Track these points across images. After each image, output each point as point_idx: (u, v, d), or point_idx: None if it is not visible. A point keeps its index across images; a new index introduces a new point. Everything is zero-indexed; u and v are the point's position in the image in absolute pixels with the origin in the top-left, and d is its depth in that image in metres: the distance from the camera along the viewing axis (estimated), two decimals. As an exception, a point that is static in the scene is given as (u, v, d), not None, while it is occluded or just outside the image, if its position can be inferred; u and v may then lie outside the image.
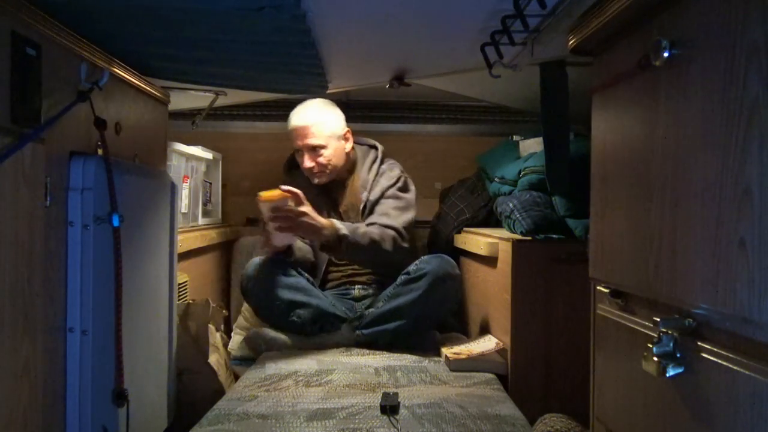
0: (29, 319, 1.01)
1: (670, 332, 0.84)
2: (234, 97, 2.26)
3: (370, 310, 2.24)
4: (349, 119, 2.91)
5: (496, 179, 2.39)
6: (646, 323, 0.95)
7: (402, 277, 2.22)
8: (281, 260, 2.30)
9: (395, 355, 2.12)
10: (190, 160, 2.39)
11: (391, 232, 2.28)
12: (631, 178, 1.00)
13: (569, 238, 1.95)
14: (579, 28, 1.13)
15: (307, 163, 2.41)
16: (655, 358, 0.83)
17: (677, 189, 0.85)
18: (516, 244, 1.93)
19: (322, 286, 2.41)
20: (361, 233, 2.22)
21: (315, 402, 1.66)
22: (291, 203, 2.13)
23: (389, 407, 1.57)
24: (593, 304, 1.19)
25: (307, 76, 1.70)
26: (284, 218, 2.14)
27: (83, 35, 1.18)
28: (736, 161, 0.72)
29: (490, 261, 2.14)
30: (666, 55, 0.86)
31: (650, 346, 0.84)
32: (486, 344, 2.07)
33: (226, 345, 2.20)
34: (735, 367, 0.73)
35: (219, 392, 1.85)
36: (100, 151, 1.24)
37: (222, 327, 2.22)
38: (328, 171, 2.43)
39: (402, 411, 1.59)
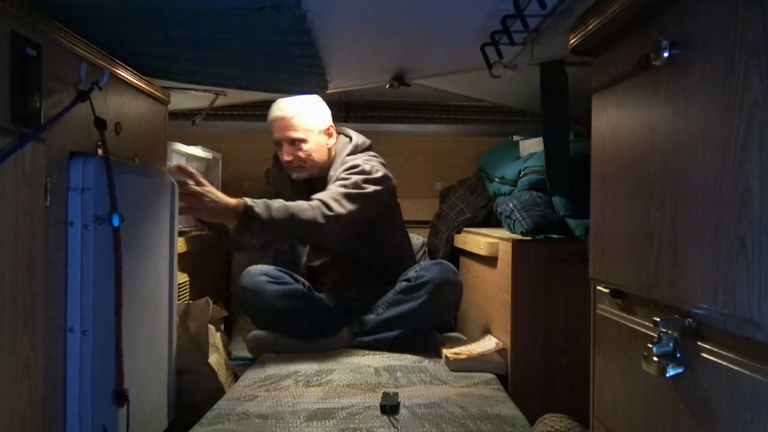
0: (29, 320, 1.01)
1: (670, 332, 0.84)
2: (234, 97, 2.26)
3: (370, 316, 2.22)
4: (349, 119, 2.91)
5: (496, 179, 2.39)
6: (646, 323, 0.95)
7: (402, 284, 2.22)
8: (276, 269, 2.29)
9: (395, 355, 2.12)
10: (190, 160, 2.39)
11: (316, 204, 2.09)
12: (631, 178, 1.00)
13: (569, 238, 1.95)
14: (579, 28, 1.13)
15: (286, 156, 2.33)
16: (655, 358, 0.83)
17: (677, 189, 0.85)
18: (516, 244, 1.93)
19: (316, 288, 2.38)
20: (274, 206, 2.02)
21: (315, 402, 1.66)
22: (191, 183, 1.94)
23: (389, 407, 1.57)
24: (593, 304, 1.19)
25: (307, 76, 1.70)
26: (183, 199, 1.88)
27: (83, 35, 1.18)
28: (736, 161, 0.72)
29: (490, 261, 2.14)
30: (666, 55, 0.86)
31: (650, 346, 0.84)
32: (486, 344, 2.07)
33: (226, 345, 2.20)
34: (735, 367, 0.73)
35: (219, 392, 1.85)
36: (100, 151, 1.24)
37: (222, 327, 2.22)
38: (307, 166, 2.34)
39: (402, 411, 1.59)
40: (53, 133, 1.09)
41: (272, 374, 1.92)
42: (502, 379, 1.92)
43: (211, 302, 2.00)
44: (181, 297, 2.05)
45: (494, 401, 1.68)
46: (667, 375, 0.83)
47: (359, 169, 2.24)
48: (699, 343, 0.80)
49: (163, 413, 1.58)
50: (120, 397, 1.23)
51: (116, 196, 1.19)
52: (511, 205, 2.07)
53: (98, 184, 1.17)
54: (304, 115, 2.32)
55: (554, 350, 1.91)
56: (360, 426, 1.50)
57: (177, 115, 2.43)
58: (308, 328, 2.22)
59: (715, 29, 0.77)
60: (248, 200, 2.00)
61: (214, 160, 2.70)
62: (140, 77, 1.51)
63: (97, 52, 1.25)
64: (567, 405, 1.72)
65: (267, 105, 2.67)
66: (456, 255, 2.61)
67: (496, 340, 2.06)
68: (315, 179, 2.38)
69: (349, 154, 2.34)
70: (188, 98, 2.04)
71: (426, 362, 2.05)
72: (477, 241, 2.25)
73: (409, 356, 2.11)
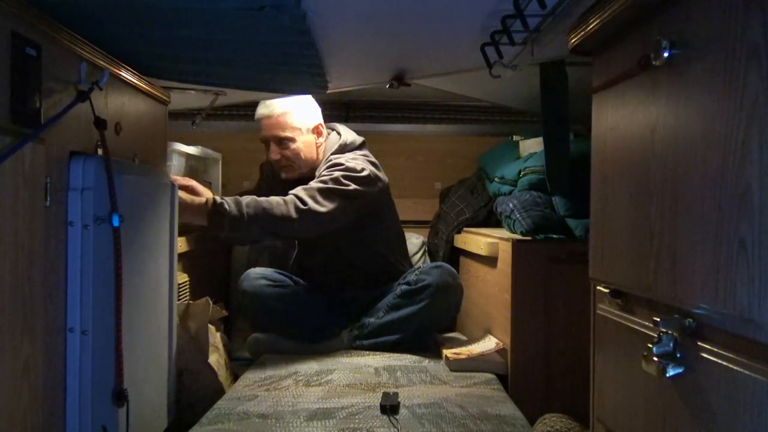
0: (29, 319, 1.01)
1: (670, 332, 0.84)
2: (234, 97, 2.26)
3: (370, 320, 2.22)
4: (349, 119, 2.91)
5: (496, 179, 2.39)
6: (646, 323, 0.95)
7: (402, 288, 2.21)
8: (275, 271, 2.28)
9: (395, 355, 2.12)
10: (190, 160, 2.39)
11: (290, 197, 2.05)
12: (631, 178, 1.00)
13: (569, 238, 1.95)
14: (579, 28, 1.13)
15: (273, 155, 2.30)
16: (655, 358, 0.83)
17: (677, 189, 0.85)
18: (516, 244, 1.93)
19: (315, 288, 2.37)
20: (246, 202, 1.99)
21: (315, 402, 1.66)
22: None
23: (389, 407, 1.57)
24: (593, 304, 1.19)
25: (307, 76, 1.70)
26: None
27: (83, 35, 1.18)
28: (736, 161, 0.72)
29: (490, 261, 2.14)
30: (666, 55, 0.86)
31: (650, 346, 0.84)
32: (486, 344, 2.07)
33: (226, 345, 2.20)
34: (735, 367, 0.73)
35: (219, 392, 1.85)
36: (100, 151, 1.24)
37: (222, 327, 2.22)
38: (296, 165, 2.31)
39: (402, 411, 1.59)
40: (53, 133, 1.09)
41: (272, 374, 1.92)
42: (502, 379, 1.92)
43: (211, 302, 2.00)
44: (181, 297, 2.05)
45: (494, 401, 1.68)
46: (667, 375, 0.83)
47: (342, 166, 2.20)
48: (699, 343, 0.80)
49: (163, 413, 1.58)
50: (120, 397, 1.23)
51: (116, 196, 1.19)
52: (511, 205, 2.07)
53: (98, 184, 1.17)
54: (292, 114, 2.28)
55: (554, 350, 1.91)
56: (360, 426, 1.50)
57: (177, 115, 2.43)
58: (308, 331, 2.22)
59: (715, 29, 0.77)
60: (217, 197, 1.97)
61: (214, 160, 2.70)
62: (140, 77, 1.51)
63: (97, 52, 1.25)
64: (567, 405, 1.72)
65: (267, 105, 2.67)
66: (456, 255, 2.61)
67: (496, 340, 2.06)
68: (305, 179, 2.34)
69: (335, 152, 2.31)
70: (188, 98, 2.04)
71: (426, 362, 2.05)
72: (477, 241, 2.25)
73: (409, 356, 2.11)
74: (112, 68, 1.32)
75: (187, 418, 1.64)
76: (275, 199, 2.04)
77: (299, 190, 2.10)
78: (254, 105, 2.40)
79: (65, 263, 1.14)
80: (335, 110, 2.89)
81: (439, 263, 2.27)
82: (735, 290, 0.72)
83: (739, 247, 0.71)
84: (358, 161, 2.26)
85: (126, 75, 1.42)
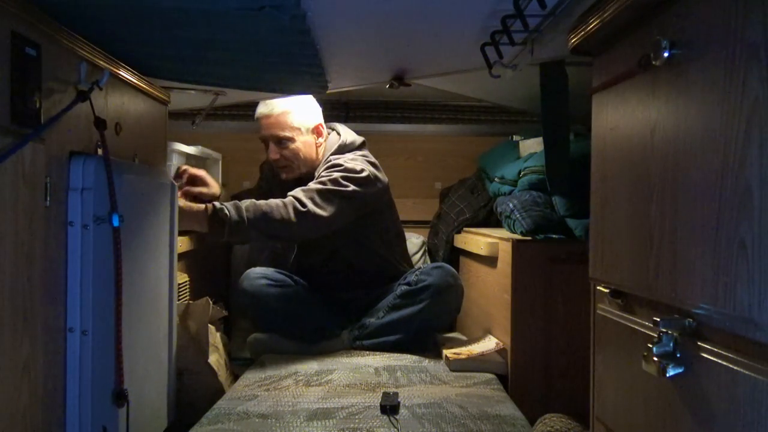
0: (29, 319, 1.01)
1: (670, 332, 0.84)
2: (234, 97, 2.26)
3: (370, 320, 2.22)
4: (348, 119, 2.91)
5: (496, 179, 2.39)
6: (646, 323, 0.95)
7: (402, 288, 2.21)
8: (276, 271, 2.28)
9: (395, 355, 2.12)
10: (190, 160, 2.39)
11: (289, 199, 2.05)
12: (631, 178, 1.00)
13: (569, 238, 1.95)
14: (579, 28, 1.13)
15: (272, 155, 2.28)
16: (655, 358, 0.83)
17: (677, 189, 0.85)
18: (516, 244, 1.93)
19: (315, 288, 2.36)
20: (246, 206, 1.99)
21: (315, 402, 1.66)
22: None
23: (389, 407, 1.57)
24: (593, 304, 1.19)
25: (307, 76, 1.70)
26: None
27: (83, 35, 1.18)
28: (736, 161, 0.72)
29: (490, 261, 2.14)
30: (666, 55, 0.86)
31: (650, 346, 0.84)
32: (486, 344, 2.07)
33: (226, 345, 2.20)
34: (735, 367, 0.73)
35: (219, 392, 1.85)
36: (100, 151, 1.24)
37: (222, 327, 2.22)
38: (295, 166, 2.29)
39: (402, 411, 1.59)
40: (53, 133, 1.09)
41: (272, 374, 1.92)
42: (502, 379, 1.92)
43: (211, 302, 2.00)
44: (181, 297, 2.05)
45: (494, 401, 1.68)
46: (667, 375, 0.83)
47: (342, 167, 2.19)
48: (699, 343, 0.80)
49: (163, 413, 1.58)
50: (120, 397, 1.23)
51: (116, 196, 1.19)
52: (511, 205, 2.07)
53: (98, 184, 1.17)
54: (291, 113, 2.27)
55: (554, 350, 1.91)
56: (360, 426, 1.50)
57: (177, 115, 2.43)
58: (308, 331, 2.21)
59: (715, 29, 0.77)
60: (216, 203, 1.98)
61: (214, 160, 2.70)
62: (140, 77, 1.51)
63: (97, 52, 1.25)
64: (567, 405, 1.72)
65: (267, 105, 2.67)
66: (456, 255, 2.61)
67: (496, 340, 2.06)
68: (304, 179, 2.34)
69: (334, 153, 2.29)
70: (188, 98, 2.04)
71: (426, 362, 2.05)
72: (477, 241, 2.25)
73: (409, 356, 2.11)
74: (112, 68, 1.32)
75: (187, 418, 1.64)
76: (274, 202, 2.03)
77: (298, 192, 2.09)
78: (254, 105, 2.40)
79: (65, 263, 1.14)
80: (335, 110, 2.89)
81: (439, 263, 2.27)
82: (735, 290, 0.72)
83: (739, 247, 0.71)
84: (358, 162, 2.25)
85: (126, 75, 1.42)
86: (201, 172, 2.07)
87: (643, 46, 0.94)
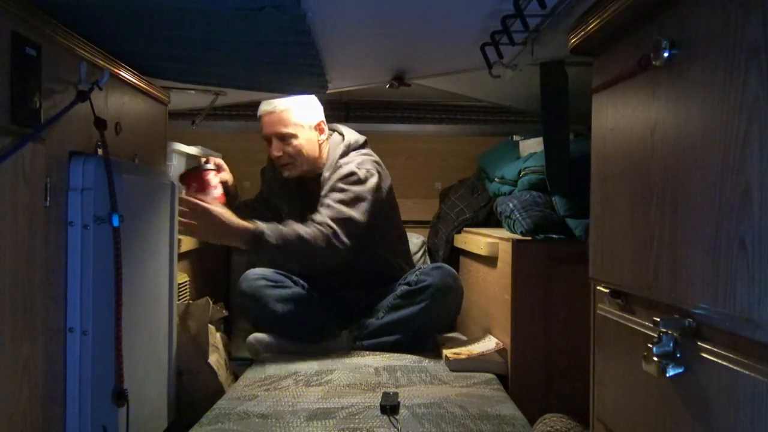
0: (29, 319, 1.01)
1: (670, 332, 0.84)
2: (234, 97, 2.26)
3: (371, 320, 2.22)
4: (349, 119, 2.91)
5: (496, 179, 2.39)
6: (646, 323, 0.95)
7: (403, 288, 2.21)
8: (275, 272, 2.28)
9: (395, 355, 2.12)
10: (190, 160, 2.39)
11: (327, 230, 2.06)
12: (631, 178, 1.00)
13: (569, 238, 1.95)
14: (579, 28, 1.13)
15: (275, 152, 2.27)
16: (655, 358, 0.83)
17: (677, 189, 0.85)
18: (516, 244, 1.93)
19: (315, 289, 2.36)
20: (286, 233, 2.01)
21: (315, 402, 1.66)
22: (208, 192, 2.05)
23: (389, 407, 1.57)
24: (593, 304, 1.19)
25: (307, 76, 1.70)
26: (187, 210, 1.88)
27: (83, 35, 1.18)
28: (736, 161, 0.72)
29: (490, 261, 2.14)
30: (666, 55, 0.86)
31: (650, 346, 0.84)
32: (486, 344, 2.07)
33: (226, 345, 2.20)
34: (735, 367, 0.73)
35: (219, 392, 1.85)
36: (100, 151, 1.24)
37: (222, 327, 2.22)
38: (297, 163, 2.28)
39: (402, 411, 1.59)
40: (53, 133, 1.09)
41: (272, 374, 1.92)
42: (502, 379, 1.92)
43: (211, 302, 2.00)
44: (181, 297, 2.05)
45: (494, 401, 1.68)
46: (667, 375, 0.83)
47: (355, 178, 2.19)
48: (699, 343, 0.80)
49: (162, 413, 1.58)
50: (120, 397, 1.23)
51: (116, 196, 1.19)
52: (511, 205, 2.07)
53: (98, 184, 1.17)
54: (294, 110, 2.27)
55: (554, 350, 1.91)
56: (360, 426, 1.50)
57: (177, 115, 2.43)
58: (308, 331, 2.21)
59: (715, 29, 0.77)
60: (259, 225, 1.99)
61: (214, 160, 2.69)
62: (140, 77, 1.51)
63: (97, 52, 1.25)
64: (567, 405, 1.72)
65: (267, 105, 2.67)
66: (456, 255, 2.61)
67: (496, 340, 2.06)
68: (307, 179, 2.35)
69: (342, 155, 2.29)
70: (188, 98, 2.04)
71: (426, 362, 2.05)
72: (477, 241, 2.25)
73: (409, 356, 2.11)
74: (112, 68, 1.32)
75: (187, 418, 1.64)
76: (311, 231, 2.05)
77: (333, 222, 2.08)
78: (254, 105, 2.40)
79: (65, 263, 1.14)
80: (335, 110, 2.88)
81: (440, 264, 2.27)
82: (735, 290, 0.72)
83: (739, 247, 0.71)
84: (367, 166, 2.25)
85: (126, 75, 1.42)
86: (218, 160, 2.25)
87: (643, 46, 0.94)
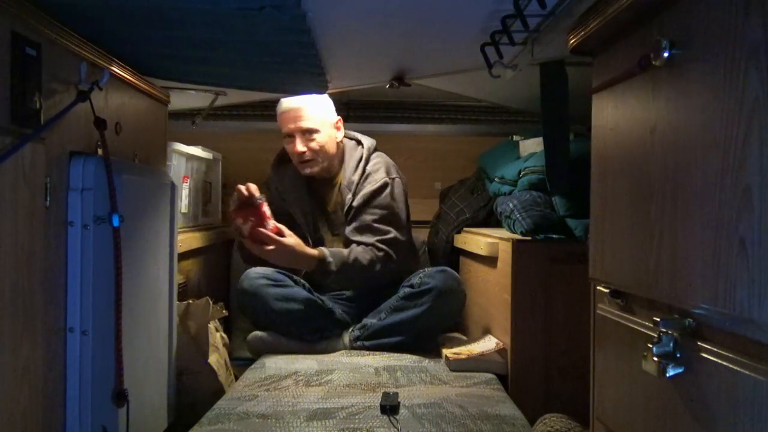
0: (29, 319, 1.01)
1: (670, 332, 0.84)
2: (234, 97, 2.26)
3: (372, 321, 2.22)
4: (349, 119, 2.91)
5: (496, 179, 2.39)
6: (646, 323, 0.95)
7: (405, 290, 2.21)
8: (276, 271, 2.28)
9: (395, 355, 2.12)
10: (190, 160, 2.39)
11: (381, 254, 2.24)
12: (631, 178, 1.00)
13: (569, 238, 1.95)
14: (579, 28, 1.13)
15: (299, 147, 2.29)
16: (655, 358, 0.83)
17: (677, 189, 0.85)
18: (516, 244, 1.93)
19: (316, 288, 2.35)
20: (350, 262, 2.20)
21: (315, 402, 1.66)
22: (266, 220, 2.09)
23: (389, 407, 1.57)
24: (593, 304, 1.19)
25: (307, 76, 1.70)
26: (260, 240, 2.09)
27: (83, 35, 1.18)
28: (736, 161, 0.72)
29: (490, 261, 2.14)
30: (666, 55, 0.86)
31: (650, 346, 0.84)
32: (486, 344, 2.07)
33: (226, 345, 2.20)
34: (735, 367, 0.73)
35: (219, 392, 1.85)
36: (100, 151, 1.24)
37: (222, 327, 2.22)
38: (320, 159, 2.32)
39: (402, 411, 1.59)
40: (53, 133, 1.09)
41: (272, 374, 1.92)
42: (502, 379, 1.92)
43: (211, 302, 2.00)
44: (181, 297, 2.05)
45: (494, 401, 1.68)
46: (667, 375, 0.83)
47: (388, 190, 2.32)
48: (699, 343, 0.80)
49: (163, 413, 1.58)
50: (120, 397, 1.23)
51: (116, 196, 1.19)
52: (511, 205, 2.07)
53: (98, 184, 1.17)
54: (315, 107, 2.32)
55: (554, 350, 1.91)
56: (360, 426, 1.50)
57: (177, 115, 2.43)
58: (309, 331, 2.21)
59: (715, 29, 0.77)
60: (325, 253, 2.18)
61: (214, 160, 2.70)
62: (140, 77, 1.51)
63: (97, 52, 1.25)
64: (567, 405, 1.72)
65: (267, 105, 2.68)
66: (456, 255, 2.61)
67: (496, 340, 2.06)
68: (318, 183, 2.38)
69: (364, 161, 2.37)
70: (188, 98, 2.04)
71: (426, 362, 2.05)
72: (477, 241, 2.25)
73: (409, 356, 2.11)
74: (112, 68, 1.32)
75: (187, 418, 1.64)
76: (369, 257, 2.23)
77: (384, 245, 2.25)
78: (254, 105, 2.41)
79: (65, 263, 1.14)
80: (335, 110, 2.88)
81: (443, 267, 2.27)
82: (735, 290, 0.72)
83: (739, 247, 0.71)
84: (393, 174, 2.37)
85: (126, 75, 1.42)
86: (279, 226, 2.18)
87: (643, 46, 0.94)
